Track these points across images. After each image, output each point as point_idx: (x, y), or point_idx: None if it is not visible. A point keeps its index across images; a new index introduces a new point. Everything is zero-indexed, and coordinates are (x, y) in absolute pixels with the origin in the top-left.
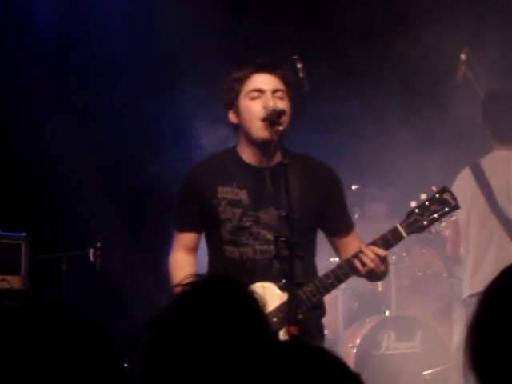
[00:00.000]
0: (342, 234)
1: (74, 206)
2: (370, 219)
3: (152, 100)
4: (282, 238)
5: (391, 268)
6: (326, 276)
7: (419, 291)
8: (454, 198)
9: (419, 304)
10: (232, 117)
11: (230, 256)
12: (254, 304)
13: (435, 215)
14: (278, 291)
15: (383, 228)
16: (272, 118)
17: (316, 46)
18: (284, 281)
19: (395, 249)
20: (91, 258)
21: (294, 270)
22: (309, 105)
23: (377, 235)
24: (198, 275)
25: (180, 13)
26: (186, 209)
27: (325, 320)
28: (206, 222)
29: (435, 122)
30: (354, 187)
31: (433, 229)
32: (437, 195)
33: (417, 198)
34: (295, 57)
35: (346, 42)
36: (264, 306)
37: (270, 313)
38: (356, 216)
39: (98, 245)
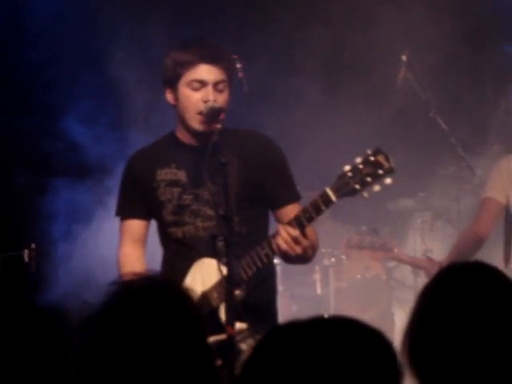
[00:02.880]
0: (283, 203)
1: (8, 206)
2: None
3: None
4: (221, 238)
5: (330, 270)
6: (261, 246)
7: (358, 294)
8: (388, 160)
9: (359, 307)
10: (169, 97)
11: (174, 237)
12: (189, 302)
13: (368, 178)
14: (218, 267)
15: (327, 229)
16: (210, 116)
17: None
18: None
19: (334, 251)
20: (26, 259)
21: (232, 271)
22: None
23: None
24: (135, 273)
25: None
26: (127, 195)
27: None
28: (150, 208)
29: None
30: None
31: (365, 193)
32: (370, 157)
33: (351, 163)
34: (235, 56)
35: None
36: (203, 292)
37: (211, 289)
38: None
39: (33, 246)
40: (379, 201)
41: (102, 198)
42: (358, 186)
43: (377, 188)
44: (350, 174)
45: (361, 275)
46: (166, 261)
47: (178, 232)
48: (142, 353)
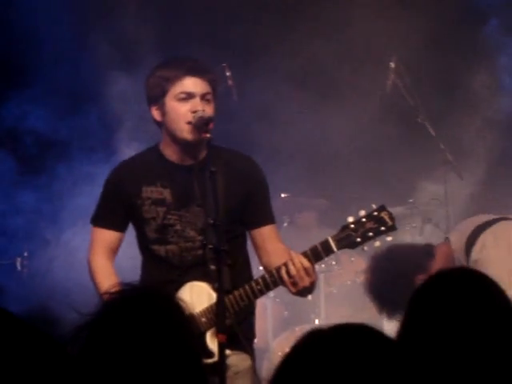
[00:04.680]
0: (261, 224)
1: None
2: (299, 228)
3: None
4: (210, 246)
5: (320, 276)
6: (256, 282)
7: (348, 300)
8: (392, 218)
9: (349, 312)
10: (156, 113)
11: (156, 254)
12: (181, 313)
13: (370, 233)
14: (209, 291)
15: (312, 236)
16: (200, 126)
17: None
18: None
19: None
20: (18, 268)
21: (222, 277)
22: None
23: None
24: (126, 283)
25: None
26: (107, 206)
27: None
28: (132, 222)
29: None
30: (283, 195)
31: (365, 247)
32: (375, 213)
33: (354, 213)
34: (224, 64)
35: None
36: (191, 314)
37: (199, 313)
38: (285, 224)
39: (26, 254)
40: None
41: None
42: (359, 240)
43: (377, 243)
44: (352, 226)
45: (351, 281)
46: (148, 273)
47: (160, 250)
48: (134, 361)
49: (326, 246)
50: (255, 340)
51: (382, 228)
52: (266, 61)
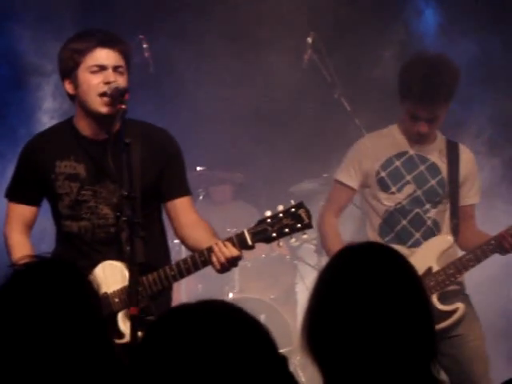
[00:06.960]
0: (176, 197)
1: None
2: (215, 201)
3: None
4: (124, 218)
5: None
6: (170, 268)
7: (263, 273)
8: (309, 216)
9: (263, 286)
10: (69, 87)
11: (69, 230)
12: (87, 284)
13: (286, 229)
14: (124, 271)
15: (228, 210)
16: (115, 97)
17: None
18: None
19: (239, 230)
20: None
21: (134, 250)
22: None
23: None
24: (34, 256)
25: None
26: (21, 180)
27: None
28: (46, 196)
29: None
30: (198, 169)
31: (281, 242)
32: (292, 209)
33: (273, 210)
34: (141, 36)
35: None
36: (98, 286)
37: (112, 293)
38: (201, 198)
39: None
40: (282, 184)
41: None
42: (274, 235)
43: (293, 240)
44: (269, 220)
45: (265, 254)
46: (61, 249)
47: (73, 226)
48: (40, 332)
49: (241, 238)
50: None
51: (299, 225)
52: (182, 25)
